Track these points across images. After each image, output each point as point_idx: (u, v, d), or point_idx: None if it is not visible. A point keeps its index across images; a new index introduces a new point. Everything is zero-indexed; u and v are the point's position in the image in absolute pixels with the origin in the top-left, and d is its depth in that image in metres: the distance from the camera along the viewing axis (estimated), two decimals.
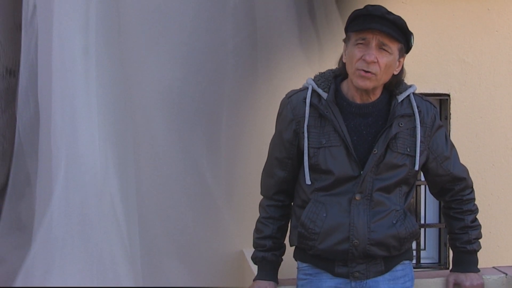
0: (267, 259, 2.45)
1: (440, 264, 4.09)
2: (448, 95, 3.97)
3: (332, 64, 2.42)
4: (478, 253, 2.52)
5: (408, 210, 2.38)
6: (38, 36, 3.44)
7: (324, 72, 2.40)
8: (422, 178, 2.56)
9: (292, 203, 2.45)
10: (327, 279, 2.37)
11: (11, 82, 3.81)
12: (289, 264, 2.52)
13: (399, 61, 2.31)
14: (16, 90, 3.62)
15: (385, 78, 2.29)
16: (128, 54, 3.51)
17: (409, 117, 2.35)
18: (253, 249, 2.49)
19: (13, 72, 3.83)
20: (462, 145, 3.84)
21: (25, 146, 3.56)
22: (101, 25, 3.37)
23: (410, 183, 2.38)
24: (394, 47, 2.27)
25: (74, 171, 3.25)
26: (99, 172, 3.29)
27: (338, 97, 2.34)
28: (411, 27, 2.30)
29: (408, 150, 2.33)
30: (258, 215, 2.48)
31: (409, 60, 2.43)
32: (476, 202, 2.51)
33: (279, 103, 2.43)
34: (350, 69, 2.28)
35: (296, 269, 2.46)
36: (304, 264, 2.42)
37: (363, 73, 2.25)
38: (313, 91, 2.35)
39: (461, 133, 3.95)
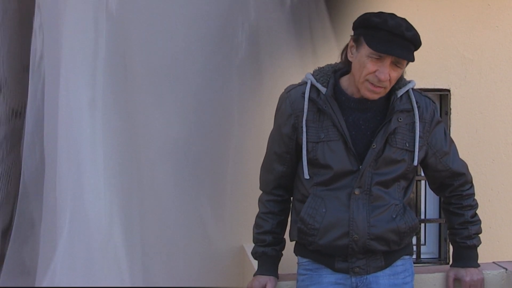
0: (267, 254, 2.45)
1: (440, 259, 4.08)
2: (448, 91, 3.96)
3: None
4: (478, 248, 2.52)
5: (407, 205, 2.38)
6: (45, 82, 3.43)
7: (323, 67, 2.39)
8: (422, 173, 2.56)
9: (292, 198, 2.45)
10: (327, 274, 2.37)
11: (17, 123, 3.76)
12: (289, 259, 2.52)
13: None
14: (22, 132, 3.60)
15: None
16: (134, 106, 3.50)
17: (408, 112, 2.34)
18: (253, 244, 2.49)
19: (19, 114, 3.79)
20: (462, 140, 3.84)
21: (29, 189, 3.55)
22: (108, 77, 3.38)
23: (409, 178, 2.38)
24: (405, 61, 2.26)
25: (78, 222, 3.26)
26: (103, 224, 3.30)
27: (337, 92, 2.33)
28: (411, 22, 2.26)
29: (407, 145, 2.33)
30: (257, 210, 2.48)
31: None
32: (476, 197, 2.51)
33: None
34: (357, 75, 2.26)
35: (296, 264, 2.46)
36: (304, 259, 2.42)
37: (372, 87, 2.23)
38: (312, 85, 2.34)
39: (461, 128, 3.94)
